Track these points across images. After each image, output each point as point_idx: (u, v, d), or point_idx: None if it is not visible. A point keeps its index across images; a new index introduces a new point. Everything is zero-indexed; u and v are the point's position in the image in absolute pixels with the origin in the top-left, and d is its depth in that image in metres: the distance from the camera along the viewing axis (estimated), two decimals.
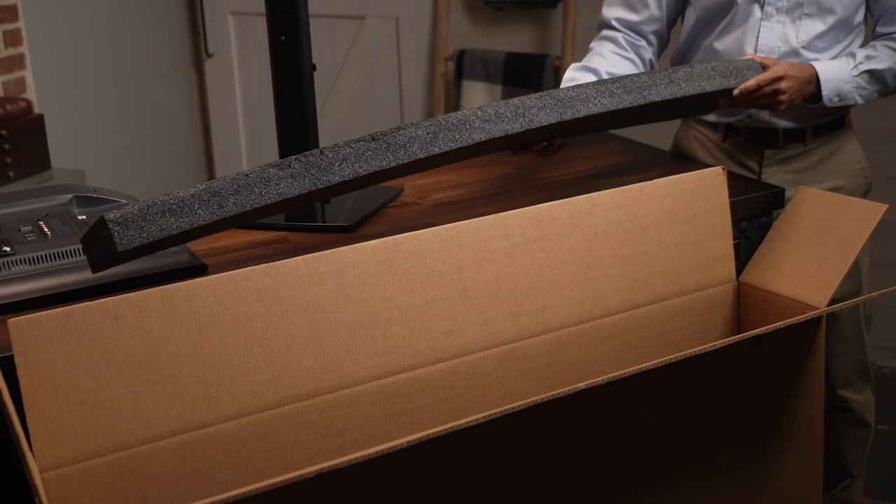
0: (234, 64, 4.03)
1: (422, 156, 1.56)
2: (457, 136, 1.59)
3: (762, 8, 1.89)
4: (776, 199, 1.93)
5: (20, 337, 1.20)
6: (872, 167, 2.10)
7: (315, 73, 1.86)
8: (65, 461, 1.23)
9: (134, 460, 1.27)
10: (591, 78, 1.93)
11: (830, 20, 1.89)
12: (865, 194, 2.03)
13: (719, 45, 1.96)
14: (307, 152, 1.50)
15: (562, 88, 1.70)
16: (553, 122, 1.66)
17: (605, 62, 1.98)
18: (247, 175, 1.42)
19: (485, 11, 3.58)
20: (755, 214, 1.90)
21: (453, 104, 3.59)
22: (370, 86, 3.85)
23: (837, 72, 1.87)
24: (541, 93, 1.68)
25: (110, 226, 1.33)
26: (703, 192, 1.67)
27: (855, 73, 1.87)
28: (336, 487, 1.17)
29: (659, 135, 2.44)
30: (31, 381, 1.21)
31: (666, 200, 1.63)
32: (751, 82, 1.79)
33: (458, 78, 3.57)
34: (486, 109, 1.63)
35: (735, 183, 1.84)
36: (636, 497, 1.43)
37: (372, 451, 1.07)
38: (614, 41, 2.02)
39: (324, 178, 1.47)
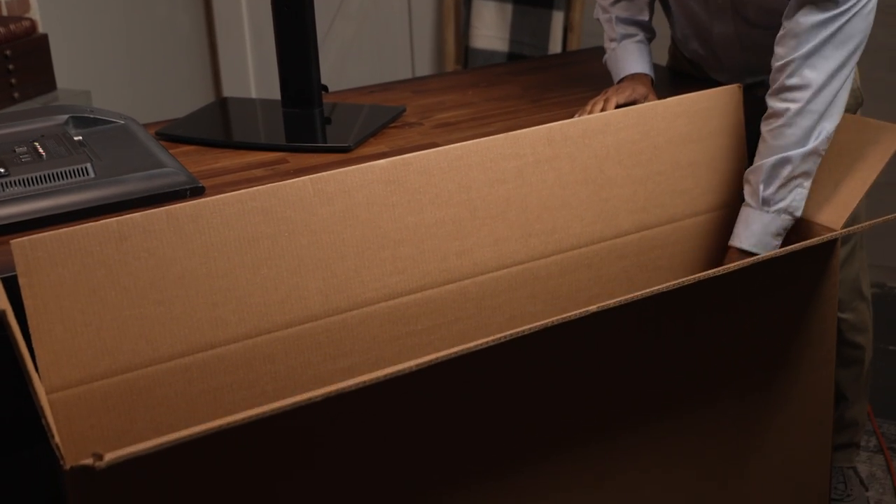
0: None
1: None
2: None
3: (707, 4, 1.82)
4: None
5: (23, 258, 1.18)
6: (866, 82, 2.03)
7: None
8: (71, 382, 1.23)
9: (141, 381, 1.27)
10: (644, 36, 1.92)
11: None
12: (856, 110, 1.97)
13: (690, 27, 1.91)
14: None
15: None
16: None
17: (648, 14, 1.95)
18: None
19: None
20: None
21: (463, 24, 3.54)
22: (378, 5, 3.79)
23: (757, 228, 1.59)
24: None
25: None
26: (718, 110, 1.64)
27: (768, 208, 1.58)
28: (344, 409, 1.16)
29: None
30: (35, 302, 1.20)
31: (679, 119, 1.60)
32: None
33: None
34: None
35: (754, 102, 1.80)
36: (648, 419, 1.42)
37: (380, 373, 1.05)
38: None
39: None
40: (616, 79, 1.90)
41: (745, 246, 1.58)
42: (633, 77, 1.86)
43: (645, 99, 1.79)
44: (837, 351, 2.03)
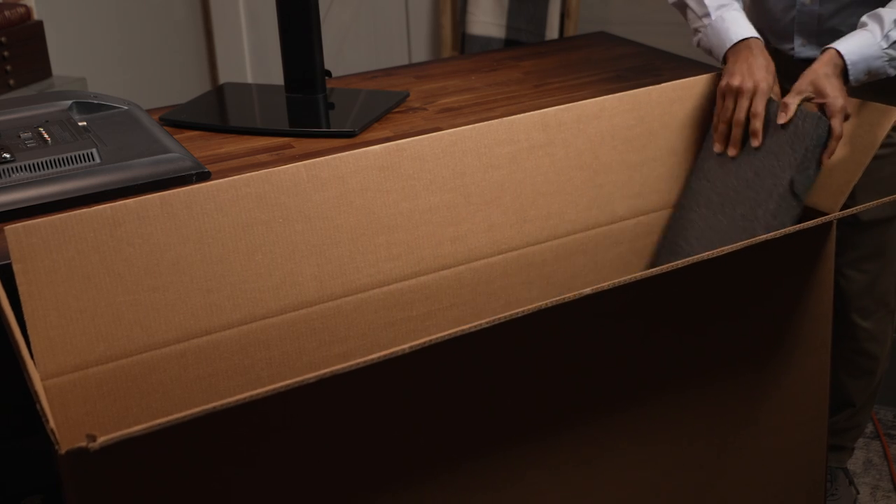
0: None
1: None
2: None
3: None
4: None
5: (18, 244, 1.18)
6: None
7: None
8: (66, 369, 1.23)
9: (136, 368, 1.27)
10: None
11: None
12: None
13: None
14: None
15: None
16: None
17: None
18: None
19: None
20: None
21: (460, 10, 3.53)
22: None
23: (864, 49, 1.60)
24: None
25: None
26: (714, 96, 1.63)
27: (885, 45, 1.59)
28: (338, 393, 1.16)
29: (670, 39, 2.39)
30: (30, 288, 1.20)
31: (675, 104, 1.60)
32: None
33: None
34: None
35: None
36: (642, 402, 1.42)
37: (374, 357, 1.06)
38: None
39: None
40: (722, 49, 1.69)
41: (843, 49, 1.59)
42: (748, 42, 1.68)
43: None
44: (851, 360, 2.00)
